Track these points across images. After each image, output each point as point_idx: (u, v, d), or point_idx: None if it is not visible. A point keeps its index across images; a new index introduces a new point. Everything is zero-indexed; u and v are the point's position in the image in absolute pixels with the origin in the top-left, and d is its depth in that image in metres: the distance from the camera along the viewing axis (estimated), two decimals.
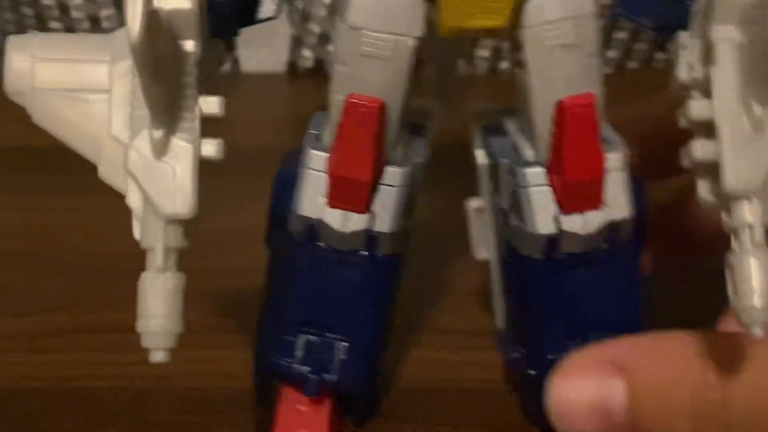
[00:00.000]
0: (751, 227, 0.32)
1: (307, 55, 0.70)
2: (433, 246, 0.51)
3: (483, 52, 0.72)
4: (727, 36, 0.32)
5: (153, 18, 0.29)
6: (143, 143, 0.31)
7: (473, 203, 0.44)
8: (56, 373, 0.45)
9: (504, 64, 0.72)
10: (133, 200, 0.32)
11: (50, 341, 0.47)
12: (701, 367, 0.35)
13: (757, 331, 0.32)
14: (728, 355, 0.35)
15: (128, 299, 0.47)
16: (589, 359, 0.38)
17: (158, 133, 0.31)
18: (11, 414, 0.43)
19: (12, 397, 0.44)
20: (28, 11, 0.69)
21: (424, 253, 0.46)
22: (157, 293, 0.32)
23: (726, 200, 0.33)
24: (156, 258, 0.32)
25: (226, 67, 0.71)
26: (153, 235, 0.32)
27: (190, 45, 0.31)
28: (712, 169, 0.33)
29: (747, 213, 0.32)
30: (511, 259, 0.41)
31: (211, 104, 0.32)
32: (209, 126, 0.32)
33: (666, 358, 0.36)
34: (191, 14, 0.31)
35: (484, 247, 0.44)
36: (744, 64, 0.32)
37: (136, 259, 0.48)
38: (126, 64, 0.31)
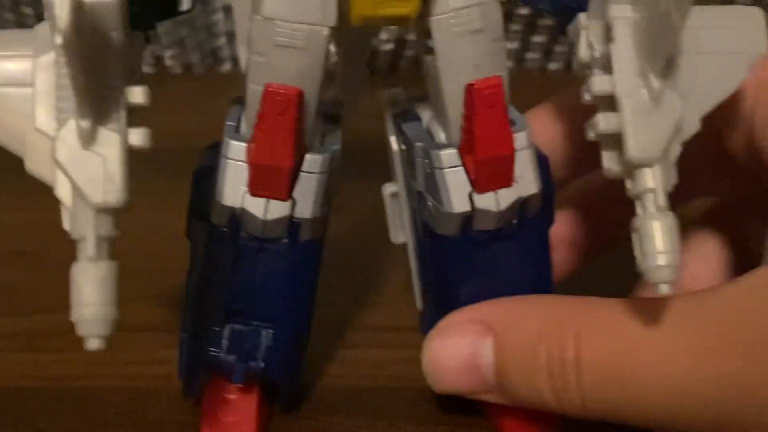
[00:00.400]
0: (653, 192, 0.34)
1: None
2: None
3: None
4: (623, 14, 0.34)
5: (79, 9, 0.29)
6: (70, 134, 0.32)
7: (388, 188, 0.45)
8: (57, 372, 0.46)
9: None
10: (62, 191, 0.33)
11: (51, 341, 0.47)
12: (560, 329, 0.37)
13: (664, 289, 0.34)
14: (587, 320, 0.37)
15: (129, 299, 0.46)
16: (463, 319, 0.39)
17: (85, 123, 0.31)
18: (12, 413, 0.43)
19: (12, 396, 0.44)
20: (28, 11, 0.68)
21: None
22: (90, 282, 0.32)
23: (630, 169, 0.35)
24: (88, 248, 0.32)
25: (227, 66, 0.71)
26: (84, 225, 0.32)
27: (114, 36, 0.32)
28: (616, 141, 0.35)
29: (649, 179, 0.34)
30: (428, 239, 0.42)
31: (136, 94, 0.32)
32: None
33: (530, 319, 0.38)
34: (114, 5, 0.31)
35: (400, 230, 0.46)
36: (640, 40, 0.34)
37: (136, 258, 0.48)
38: (49, 58, 0.32)
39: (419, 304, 0.46)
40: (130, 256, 0.49)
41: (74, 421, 0.43)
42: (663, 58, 0.34)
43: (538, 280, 0.43)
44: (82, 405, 0.44)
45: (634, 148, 0.34)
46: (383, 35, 0.70)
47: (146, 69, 0.72)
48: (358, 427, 0.43)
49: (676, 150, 0.35)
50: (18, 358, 0.46)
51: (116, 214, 0.33)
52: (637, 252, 0.34)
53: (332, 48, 0.39)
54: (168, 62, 0.72)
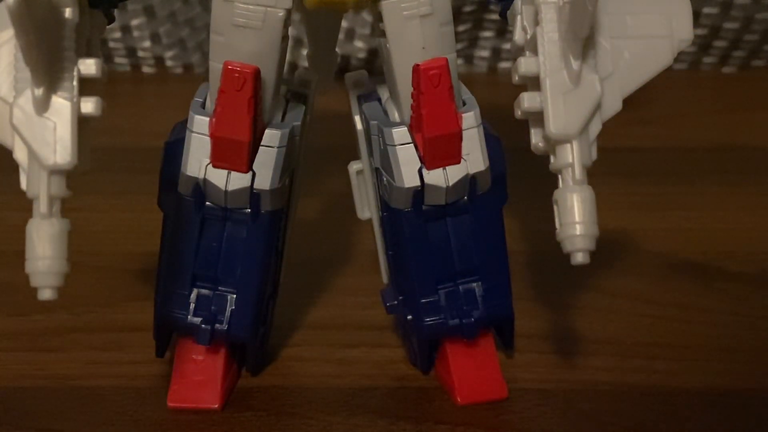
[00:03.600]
0: (572, 167, 0.36)
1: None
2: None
3: (482, 53, 0.75)
4: (549, 0, 0.36)
5: None
6: (26, 101, 0.35)
7: (354, 166, 0.48)
8: (58, 371, 0.46)
9: (503, 64, 0.75)
10: (20, 155, 0.35)
11: (52, 340, 0.48)
12: None
13: (579, 258, 0.36)
14: None
15: (129, 298, 0.49)
16: None
17: (39, 92, 0.34)
18: (13, 412, 0.43)
19: (14, 395, 0.44)
20: None
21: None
22: (42, 237, 0.35)
23: (552, 144, 0.37)
24: (41, 205, 0.35)
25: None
26: (38, 186, 0.35)
27: (68, 12, 0.34)
28: (541, 118, 0.37)
29: (569, 154, 0.36)
30: (385, 213, 0.45)
31: (89, 66, 0.35)
32: None
33: None
34: None
35: (366, 207, 0.48)
36: (562, 24, 0.36)
37: (138, 259, 0.51)
38: (9, 32, 0.35)
39: (385, 278, 0.49)
40: (130, 256, 0.52)
41: (75, 420, 0.43)
42: (581, 40, 0.35)
43: (491, 255, 0.44)
44: (82, 404, 0.44)
45: (553, 125, 0.36)
46: (358, 44, 0.71)
47: (147, 69, 0.76)
48: (357, 426, 0.43)
49: (596, 128, 0.37)
50: (19, 358, 0.47)
51: (68, 175, 0.35)
52: (557, 223, 0.36)
53: (291, 29, 0.42)
54: (169, 62, 0.74)
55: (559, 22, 0.36)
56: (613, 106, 0.37)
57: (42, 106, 0.34)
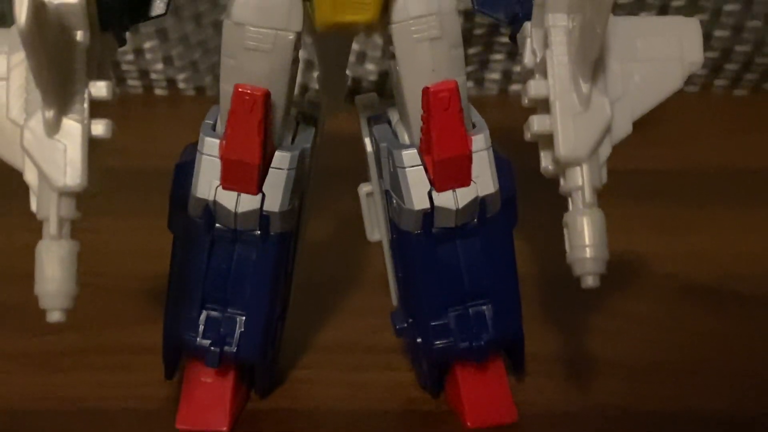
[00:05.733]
0: (582, 190, 0.36)
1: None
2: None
3: (493, 75, 0.76)
4: (559, 23, 0.36)
5: (40, 10, 0.32)
6: (37, 123, 0.35)
7: (364, 188, 0.48)
8: (67, 393, 0.46)
9: (514, 87, 0.75)
10: (30, 176, 0.36)
11: (61, 361, 0.48)
12: None
13: (590, 281, 0.36)
14: None
15: (139, 320, 0.49)
16: None
17: (50, 114, 0.35)
18: None
19: (23, 417, 0.44)
20: None
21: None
22: (52, 259, 0.35)
23: (562, 167, 0.37)
24: (51, 227, 0.35)
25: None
26: (48, 207, 0.35)
27: (79, 35, 0.35)
28: (550, 141, 0.37)
29: (579, 177, 0.36)
30: (395, 236, 0.45)
31: (100, 88, 0.35)
32: None
33: None
34: (78, 8, 0.34)
35: (376, 229, 0.48)
36: (572, 47, 0.36)
37: (148, 280, 0.51)
38: (21, 55, 0.35)
39: (395, 300, 0.49)
40: (139, 278, 0.52)
41: None
42: (590, 63, 0.35)
43: (501, 278, 0.44)
44: (92, 426, 0.44)
45: (563, 147, 0.36)
46: (369, 66, 0.72)
47: (160, 91, 0.76)
48: None
49: (606, 151, 0.37)
50: (29, 379, 0.47)
51: (78, 197, 0.35)
52: (567, 246, 0.36)
53: (302, 51, 0.42)
54: (181, 85, 0.75)
55: (569, 45, 0.36)
56: (623, 128, 0.37)
57: (52, 128, 0.35)
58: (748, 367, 0.48)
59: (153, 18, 0.39)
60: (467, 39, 0.71)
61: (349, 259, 0.56)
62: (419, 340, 0.45)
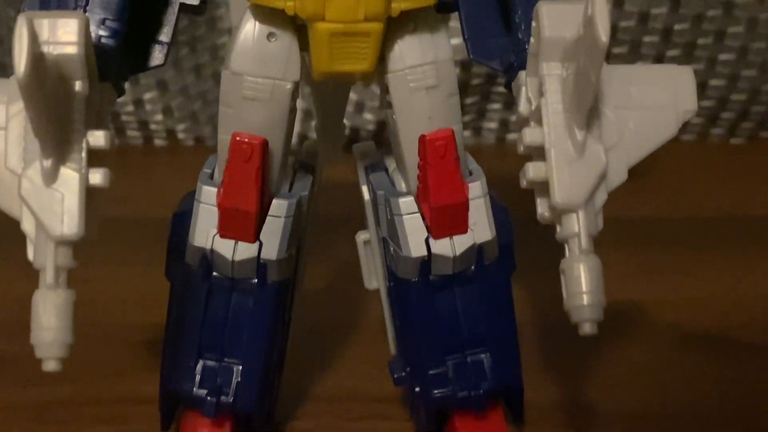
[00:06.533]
0: (578, 237, 0.36)
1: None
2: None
3: (491, 125, 0.76)
4: (553, 71, 0.37)
5: (39, 60, 0.33)
6: (35, 173, 0.35)
7: (362, 236, 0.48)
8: None
9: (511, 136, 0.75)
10: (27, 226, 0.36)
11: (57, 413, 0.48)
12: None
13: (587, 328, 0.35)
14: None
15: (136, 370, 0.48)
16: None
17: (48, 163, 0.35)
18: None
19: None
20: None
21: None
22: (48, 308, 0.35)
23: (558, 214, 0.37)
24: (47, 276, 0.35)
25: None
26: (44, 256, 0.35)
27: (77, 85, 0.35)
28: (546, 188, 0.37)
29: (575, 224, 0.36)
30: (392, 283, 0.45)
31: (98, 137, 0.36)
32: None
33: None
34: (77, 59, 0.34)
35: (373, 277, 0.48)
36: (566, 95, 0.36)
37: (145, 330, 0.50)
38: (19, 105, 0.35)
39: (393, 349, 0.48)
40: (136, 328, 0.52)
41: None
42: (585, 111, 0.36)
43: (500, 325, 0.44)
44: None
45: (558, 194, 0.36)
46: (367, 116, 0.72)
47: (159, 142, 0.77)
48: None
49: (602, 197, 0.37)
50: (25, 430, 0.47)
51: (75, 246, 0.35)
52: (564, 293, 0.36)
53: (300, 101, 0.42)
54: (180, 135, 0.75)
55: (563, 93, 0.36)
56: (618, 176, 0.37)
57: (50, 177, 0.35)
58: (748, 415, 0.47)
59: (152, 69, 0.39)
60: (465, 89, 0.72)
61: (346, 307, 0.55)
62: (417, 389, 0.45)
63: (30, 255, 0.35)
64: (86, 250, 0.36)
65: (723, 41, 0.72)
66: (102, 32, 0.37)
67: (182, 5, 0.40)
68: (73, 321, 0.35)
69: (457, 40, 0.40)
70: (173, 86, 0.74)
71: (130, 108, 0.74)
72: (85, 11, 0.37)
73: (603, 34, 0.33)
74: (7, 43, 0.71)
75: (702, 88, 0.73)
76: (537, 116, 0.37)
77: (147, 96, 0.74)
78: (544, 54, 0.36)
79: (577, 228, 0.36)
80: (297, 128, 0.70)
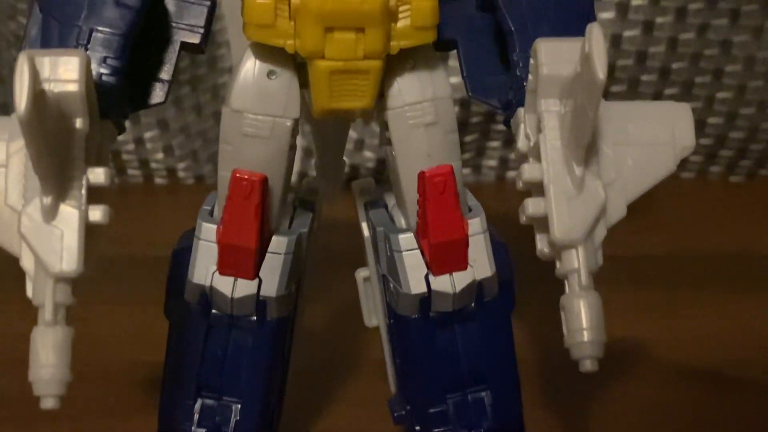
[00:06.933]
0: (578, 272, 0.36)
1: None
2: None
3: (490, 162, 0.76)
4: (551, 108, 0.37)
5: (40, 98, 0.33)
6: (35, 210, 0.35)
7: (361, 273, 0.48)
8: None
9: (511, 173, 0.75)
10: (26, 262, 0.36)
11: None
12: None
13: (588, 365, 0.35)
14: None
15: (134, 409, 0.48)
16: None
17: (48, 200, 0.35)
18: None
19: None
20: None
21: None
22: (46, 345, 0.35)
23: (557, 250, 0.37)
24: (46, 313, 0.35)
25: None
26: (43, 293, 0.35)
27: (78, 122, 0.35)
28: (546, 224, 0.37)
29: (574, 260, 0.36)
30: (392, 321, 0.44)
31: (98, 175, 0.36)
32: None
33: None
34: (78, 96, 0.35)
35: (373, 314, 0.48)
36: (564, 131, 0.36)
37: (143, 368, 0.50)
38: (20, 143, 0.35)
39: (393, 387, 0.48)
40: (135, 366, 0.52)
41: None
42: (583, 147, 0.36)
43: (500, 363, 0.44)
44: None
45: (558, 230, 0.36)
46: (367, 153, 0.72)
47: (160, 180, 0.77)
48: None
49: (601, 233, 0.37)
50: None
51: (74, 283, 0.35)
52: (564, 329, 0.36)
53: (301, 139, 0.42)
54: (181, 174, 0.75)
55: (561, 129, 0.36)
56: (617, 212, 0.37)
57: (50, 214, 0.35)
58: None
59: (152, 106, 0.40)
60: (464, 127, 0.72)
61: (346, 345, 0.55)
62: (418, 427, 0.44)
63: (29, 292, 0.35)
64: (86, 289, 0.36)
65: (721, 80, 0.72)
66: (103, 70, 0.37)
67: (183, 44, 0.40)
68: (72, 358, 0.35)
69: (456, 79, 0.41)
70: (174, 125, 0.74)
71: (131, 147, 0.75)
72: (86, 49, 0.37)
73: (600, 71, 0.33)
74: (9, 83, 0.71)
75: (700, 126, 0.73)
76: (536, 152, 0.37)
77: (148, 135, 0.74)
78: (542, 91, 0.37)
79: (576, 264, 0.36)
80: (297, 167, 0.70)
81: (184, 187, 0.76)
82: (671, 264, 0.65)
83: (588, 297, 0.35)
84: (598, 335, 0.35)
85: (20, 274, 0.36)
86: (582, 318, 0.35)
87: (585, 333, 0.35)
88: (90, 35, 0.38)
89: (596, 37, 0.33)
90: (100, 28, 0.38)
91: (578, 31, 0.35)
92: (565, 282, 0.37)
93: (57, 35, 0.38)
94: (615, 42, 0.71)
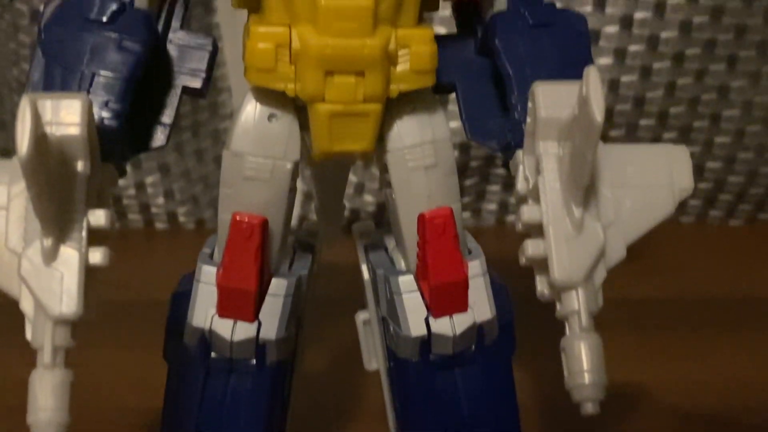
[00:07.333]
0: (578, 314, 0.36)
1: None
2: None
3: (490, 206, 0.76)
4: (550, 150, 0.37)
5: (41, 141, 0.33)
6: (35, 252, 0.35)
7: (361, 316, 0.48)
8: None
9: (511, 217, 0.76)
10: (26, 305, 0.36)
11: None
12: None
13: (589, 408, 0.35)
14: None
15: None
16: None
17: (48, 242, 0.35)
18: None
19: None
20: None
21: None
22: (45, 388, 0.34)
23: (557, 291, 0.37)
24: (45, 356, 0.35)
25: None
26: (42, 335, 0.35)
27: (79, 165, 0.35)
28: (545, 265, 0.37)
29: (574, 302, 0.36)
30: (392, 364, 0.44)
31: (98, 217, 0.36)
32: None
33: None
34: (79, 140, 0.35)
35: (373, 358, 0.48)
36: (563, 173, 0.37)
37: (141, 414, 0.50)
38: (22, 185, 0.35)
39: (393, 431, 0.48)
40: (133, 411, 0.51)
41: None
42: (582, 189, 0.36)
43: (501, 407, 0.44)
44: None
45: (557, 271, 0.36)
46: (367, 197, 0.73)
47: (160, 225, 0.77)
48: None
49: (601, 275, 0.37)
50: None
51: (73, 326, 0.35)
52: (565, 371, 0.36)
53: (301, 183, 0.42)
54: (181, 218, 0.76)
55: (560, 171, 0.36)
56: (617, 253, 0.37)
57: (50, 256, 0.35)
58: None
59: (153, 149, 0.40)
60: (464, 170, 0.72)
61: (346, 388, 0.55)
62: None
63: (28, 335, 0.35)
64: (85, 334, 0.36)
65: (719, 124, 0.73)
66: (105, 114, 0.38)
67: (185, 88, 0.40)
68: (70, 401, 0.35)
69: (455, 123, 0.41)
70: (175, 170, 0.74)
71: (132, 191, 0.75)
72: (88, 93, 0.38)
73: (598, 114, 0.33)
74: (11, 128, 0.72)
75: (699, 171, 0.73)
76: (535, 194, 0.38)
77: (149, 179, 0.75)
78: (540, 133, 0.37)
79: (576, 305, 0.36)
80: (297, 210, 0.70)
81: (184, 231, 0.77)
82: (671, 307, 0.65)
83: (588, 339, 0.35)
84: (599, 377, 0.35)
85: (19, 318, 0.36)
86: (583, 360, 0.35)
87: (586, 375, 0.35)
88: (92, 79, 0.38)
89: (593, 80, 0.33)
90: (102, 72, 0.38)
91: (576, 74, 0.36)
92: (566, 324, 0.37)
93: (59, 79, 0.38)
94: (613, 87, 0.71)
